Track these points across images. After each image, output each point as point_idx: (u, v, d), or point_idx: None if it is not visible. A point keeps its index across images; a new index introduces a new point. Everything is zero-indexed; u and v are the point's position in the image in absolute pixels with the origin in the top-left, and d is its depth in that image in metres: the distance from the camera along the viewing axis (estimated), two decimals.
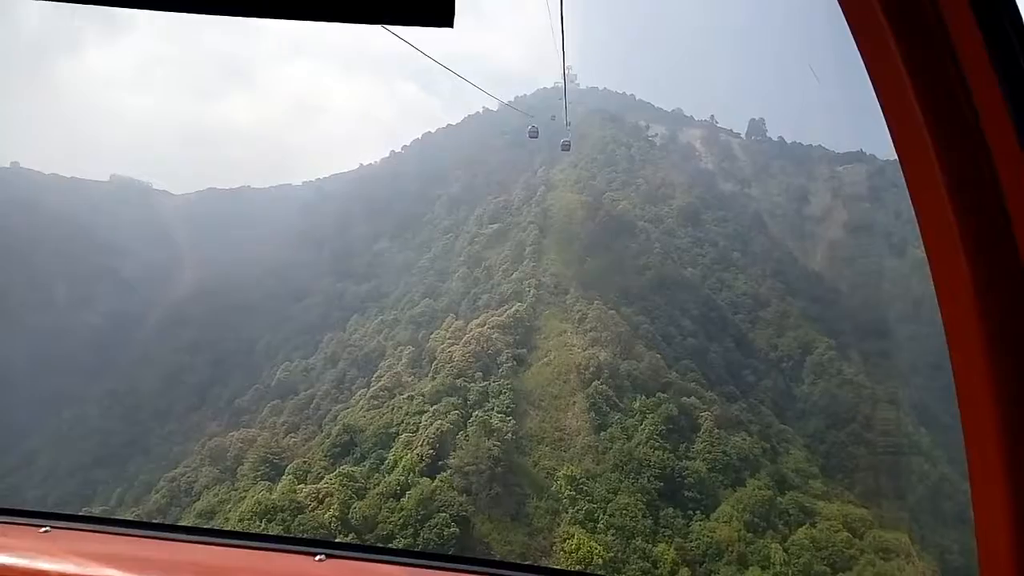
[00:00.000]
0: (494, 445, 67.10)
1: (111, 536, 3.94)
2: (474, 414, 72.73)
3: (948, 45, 2.26)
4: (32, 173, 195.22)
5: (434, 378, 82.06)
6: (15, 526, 3.78)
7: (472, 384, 79.05)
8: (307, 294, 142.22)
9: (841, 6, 2.45)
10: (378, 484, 63.13)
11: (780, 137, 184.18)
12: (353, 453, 71.46)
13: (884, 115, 2.47)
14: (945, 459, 79.83)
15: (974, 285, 2.25)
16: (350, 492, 61.30)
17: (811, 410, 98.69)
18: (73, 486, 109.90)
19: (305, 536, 57.73)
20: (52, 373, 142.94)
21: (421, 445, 66.84)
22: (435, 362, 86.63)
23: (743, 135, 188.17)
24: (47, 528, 3.72)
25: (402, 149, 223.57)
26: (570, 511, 65.05)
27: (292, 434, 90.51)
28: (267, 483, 72.38)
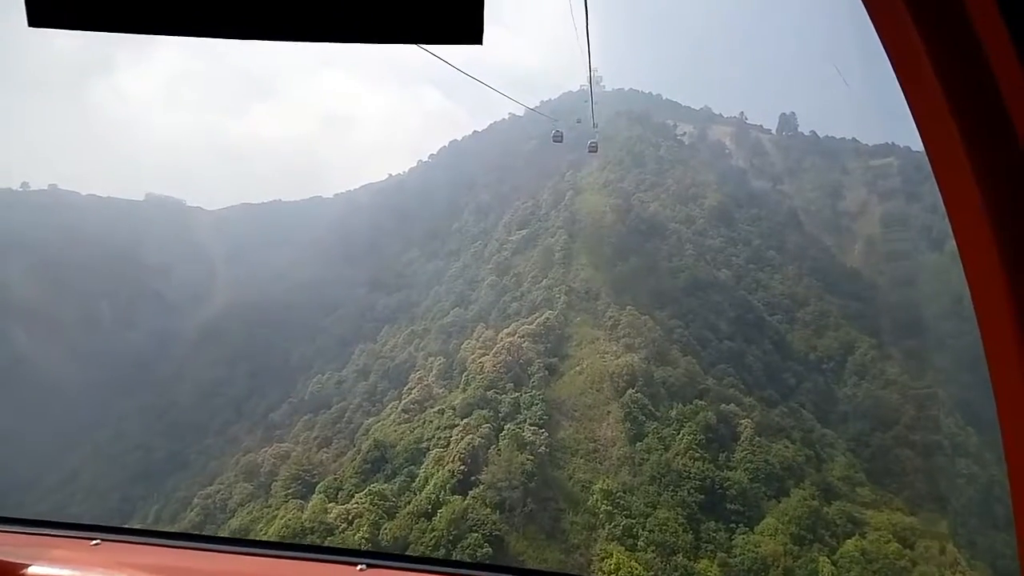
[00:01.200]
0: (527, 459, 64.48)
1: (157, 548, 4.11)
2: (506, 427, 70.18)
3: (972, 33, 2.24)
4: (70, 195, 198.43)
5: (465, 390, 79.75)
6: (68, 539, 4.02)
7: (503, 396, 76.51)
8: (339, 306, 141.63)
9: (867, 9, 2.44)
10: (409, 503, 60.92)
11: (812, 131, 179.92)
12: (384, 469, 69.44)
13: (910, 108, 2.48)
14: (994, 460, 75.79)
15: (1007, 278, 2.27)
16: (380, 512, 59.23)
17: (854, 413, 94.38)
18: (114, 502, 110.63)
19: (346, 547, 56.80)
20: (95, 391, 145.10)
21: (452, 461, 64.46)
22: (466, 373, 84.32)
23: (773, 131, 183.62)
24: (97, 541, 3.90)
25: (430, 158, 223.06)
26: (607, 527, 61.97)
27: (324, 448, 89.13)
28: (299, 501, 70.68)
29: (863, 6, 2.49)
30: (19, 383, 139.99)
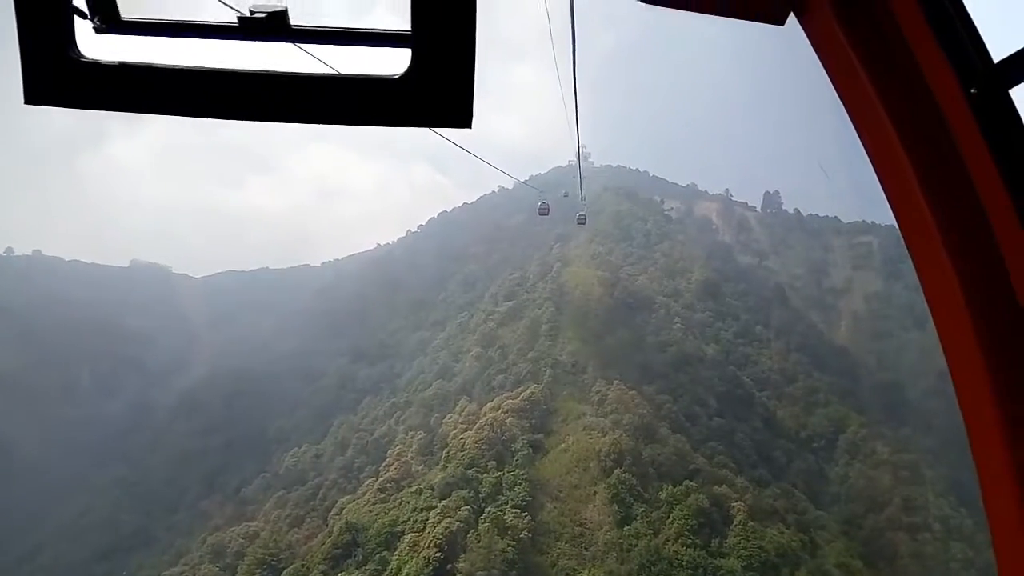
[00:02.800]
0: (508, 545, 59.69)
1: None
2: (487, 509, 65.27)
3: (945, 127, 2.54)
4: (53, 260, 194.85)
5: (444, 468, 75.04)
6: None
7: (484, 475, 71.77)
8: (321, 375, 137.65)
9: (840, 97, 2.83)
10: None
11: (796, 209, 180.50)
12: (355, 555, 64.11)
13: (885, 193, 2.77)
14: (987, 543, 71.55)
15: (979, 343, 2.45)
16: None
17: (847, 493, 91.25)
18: None
19: None
20: (68, 461, 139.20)
21: (428, 547, 59.42)
22: (447, 449, 79.74)
23: (758, 208, 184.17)
24: None
25: (419, 228, 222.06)
26: None
27: (296, 528, 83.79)
28: None
29: (838, 96, 2.82)
30: None
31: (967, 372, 2.50)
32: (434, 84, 1.93)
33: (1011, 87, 2.47)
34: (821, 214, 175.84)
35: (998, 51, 2.54)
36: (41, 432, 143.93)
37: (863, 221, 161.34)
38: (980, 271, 2.44)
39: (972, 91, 2.50)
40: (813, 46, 3.06)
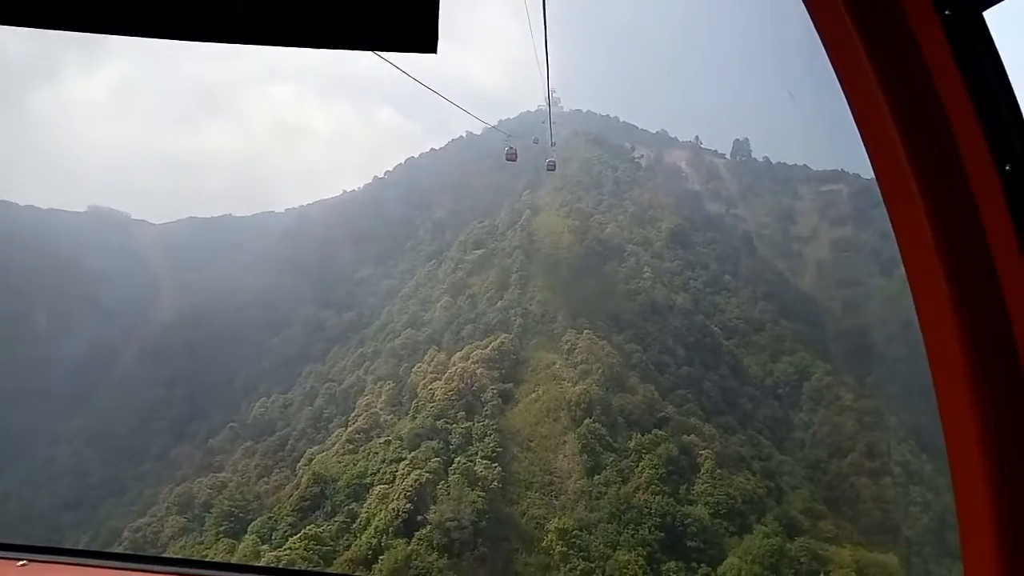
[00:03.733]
0: (478, 496, 59.25)
1: (85, 568, 3.99)
2: (456, 460, 64.67)
3: (924, 68, 2.52)
4: (6, 205, 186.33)
5: (414, 418, 74.14)
6: None
7: (454, 425, 71.03)
8: (288, 324, 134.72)
9: (817, 31, 2.75)
10: (348, 547, 55.05)
11: (765, 157, 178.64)
12: (323, 507, 63.33)
13: (862, 139, 2.72)
14: (947, 487, 73.25)
15: (951, 298, 2.50)
16: (316, 558, 53.05)
17: (811, 439, 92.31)
18: (42, 531, 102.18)
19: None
20: (30, 407, 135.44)
21: (397, 498, 58.74)
22: (416, 400, 78.78)
23: (728, 155, 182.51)
24: (24, 562, 3.81)
25: (385, 175, 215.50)
26: (563, 569, 56.98)
27: (264, 479, 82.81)
28: (230, 541, 64.22)
29: (816, 34, 2.75)
30: None
31: (936, 321, 2.50)
32: (396, 4, 1.80)
33: (985, 9, 2.43)
34: (790, 163, 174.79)
35: None
36: (8, 378, 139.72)
37: (833, 170, 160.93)
38: (953, 211, 2.42)
39: (947, 12, 2.44)
40: None
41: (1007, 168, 2.38)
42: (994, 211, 2.37)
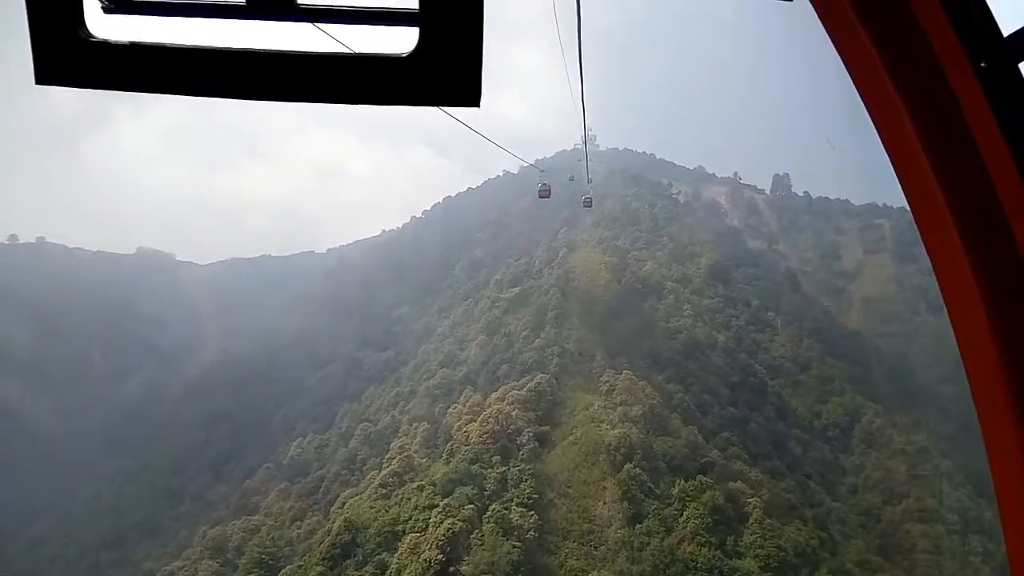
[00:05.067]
0: (513, 546, 55.71)
1: None
2: (491, 508, 61.22)
3: (956, 103, 2.54)
4: (58, 247, 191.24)
5: (448, 462, 71.11)
6: None
7: (489, 470, 67.69)
8: (326, 363, 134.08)
9: (850, 75, 2.80)
10: None
11: (805, 192, 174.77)
12: (354, 555, 60.31)
13: (896, 172, 2.74)
14: None
15: (990, 323, 2.48)
16: None
17: (863, 484, 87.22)
18: (82, 571, 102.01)
19: None
20: (77, 447, 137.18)
21: (429, 548, 55.45)
22: (450, 442, 75.83)
23: (767, 191, 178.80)
24: None
25: (423, 214, 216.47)
26: None
27: (297, 522, 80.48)
28: None
29: (847, 74, 2.77)
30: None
31: (980, 361, 2.44)
32: (442, 62, 1.92)
33: (1020, 62, 2.43)
34: (831, 196, 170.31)
35: (1008, 25, 2.51)
36: (54, 416, 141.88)
37: (874, 204, 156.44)
38: (992, 251, 2.39)
39: (982, 65, 2.47)
40: (822, 21, 2.91)
41: None
42: None
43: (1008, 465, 2.35)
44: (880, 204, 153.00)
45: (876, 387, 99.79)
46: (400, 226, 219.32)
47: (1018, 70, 2.43)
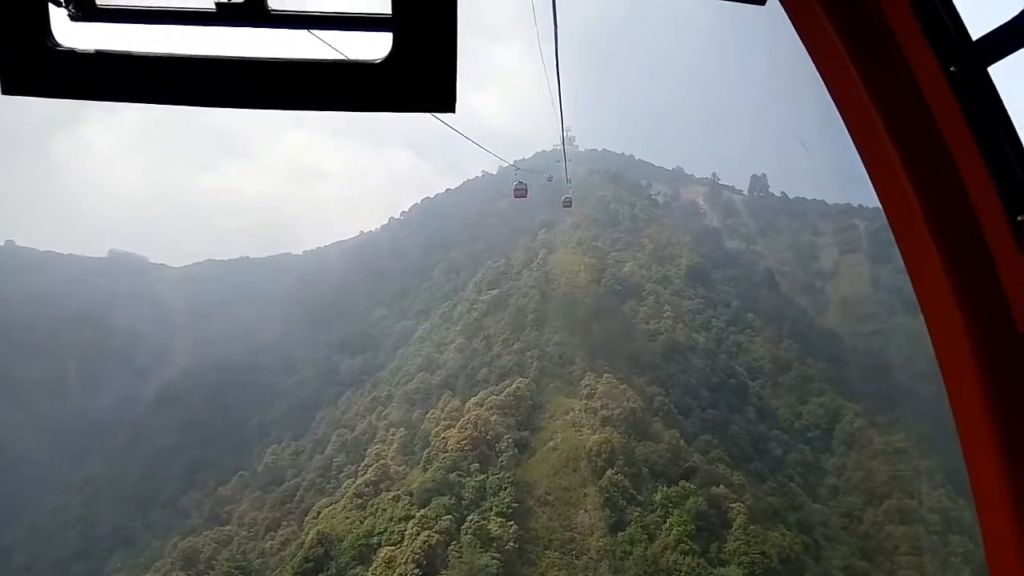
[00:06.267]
0: (492, 559, 53.50)
1: None
2: (469, 518, 58.95)
3: (926, 106, 2.58)
4: (27, 251, 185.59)
5: (425, 469, 68.68)
6: None
7: (467, 479, 65.36)
8: (302, 367, 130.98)
9: (823, 78, 2.84)
10: None
11: (783, 192, 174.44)
12: (327, 569, 57.72)
13: (868, 174, 2.78)
14: None
15: (965, 323, 2.50)
16: None
17: (844, 486, 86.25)
18: None
19: None
20: (44, 458, 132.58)
21: (405, 562, 53.08)
22: (428, 449, 73.37)
23: (745, 191, 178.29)
24: None
25: (401, 215, 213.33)
26: None
27: (271, 532, 77.65)
28: None
29: (818, 75, 2.82)
30: None
31: (955, 361, 2.51)
32: (416, 68, 1.90)
33: (989, 65, 2.50)
34: (808, 197, 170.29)
35: (977, 30, 2.56)
36: (28, 428, 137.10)
37: (849, 204, 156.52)
38: (964, 253, 2.46)
39: (952, 69, 2.52)
40: (794, 26, 2.95)
41: (1019, 219, 2.41)
42: (1004, 250, 2.40)
43: (984, 465, 2.36)
44: (855, 204, 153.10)
45: (855, 387, 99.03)
46: (378, 227, 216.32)
47: (987, 74, 2.46)
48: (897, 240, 2.67)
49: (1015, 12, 2.31)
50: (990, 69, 2.48)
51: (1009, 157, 2.43)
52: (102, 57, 1.90)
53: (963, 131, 2.42)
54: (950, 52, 2.49)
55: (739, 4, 2.99)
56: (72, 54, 1.90)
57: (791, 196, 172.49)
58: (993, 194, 2.40)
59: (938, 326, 2.55)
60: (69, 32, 1.94)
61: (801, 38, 2.89)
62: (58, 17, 1.93)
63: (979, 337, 2.40)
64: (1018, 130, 2.49)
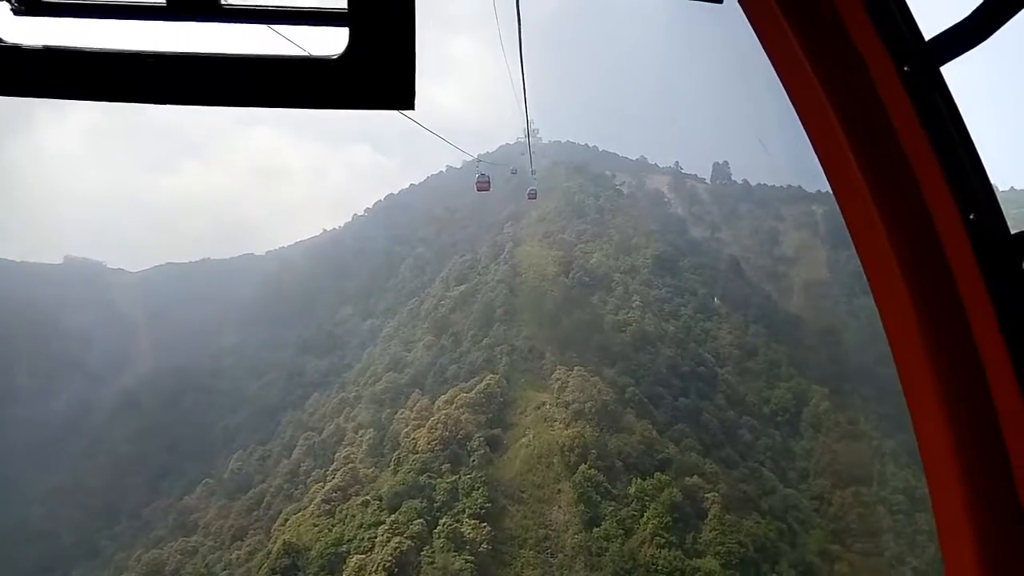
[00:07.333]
0: (466, 562, 51.82)
1: None
2: (441, 521, 57.17)
3: (880, 104, 2.64)
4: None
5: (395, 472, 66.66)
6: None
7: (439, 480, 63.54)
8: (267, 370, 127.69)
9: (778, 75, 2.88)
10: None
11: (744, 180, 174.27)
12: None
13: (822, 167, 2.84)
14: None
15: (914, 307, 2.58)
16: None
17: (814, 469, 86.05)
18: None
19: None
20: (4, 468, 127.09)
21: (376, 570, 51.09)
22: (398, 450, 71.33)
23: (708, 180, 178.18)
24: None
25: (365, 212, 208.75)
26: None
27: (238, 542, 74.96)
28: None
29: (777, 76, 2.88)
30: None
31: (905, 343, 2.60)
32: (373, 64, 1.86)
33: (942, 65, 2.57)
34: (769, 184, 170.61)
35: (929, 30, 2.64)
36: None
37: (808, 190, 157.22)
38: (917, 246, 2.53)
39: (905, 68, 2.59)
40: (751, 23, 2.99)
41: (971, 217, 2.47)
42: (953, 235, 2.48)
43: (936, 445, 2.53)
44: (818, 191, 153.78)
45: (822, 371, 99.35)
46: (342, 225, 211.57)
47: (939, 73, 2.51)
48: (851, 235, 2.67)
49: (966, 14, 2.35)
50: (942, 69, 2.51)
51: (962, 157, 2.47)
52: (50, 53, 1.82)
53: (917, 130, 2.47)
54: (904, 52, 2.54)
55: (698, 2, 2.90)
56: (17, 50, 1.83)
57: (752, 183, 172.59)
58: (946, 192, 2.44)
59: (893, 321, 2.57)
60: (13, 27, 1.84)
61: (758, 36, 2.88)
62: (1, 11, 1.83)
63: (931, 331, 2.45)
64: (969, 130, 2.51)
